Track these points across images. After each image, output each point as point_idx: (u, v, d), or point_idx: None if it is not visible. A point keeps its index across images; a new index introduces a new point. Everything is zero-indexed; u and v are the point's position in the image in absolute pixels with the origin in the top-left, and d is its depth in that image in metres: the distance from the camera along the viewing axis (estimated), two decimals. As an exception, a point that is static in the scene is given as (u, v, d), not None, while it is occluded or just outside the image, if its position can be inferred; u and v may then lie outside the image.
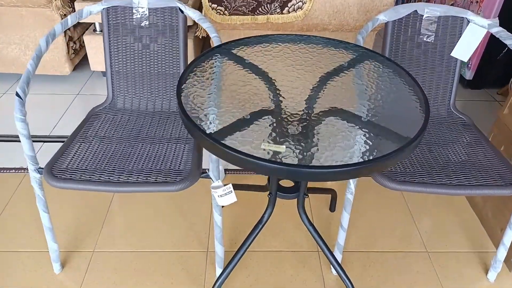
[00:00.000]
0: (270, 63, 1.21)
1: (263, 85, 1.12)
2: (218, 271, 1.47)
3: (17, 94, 1.23)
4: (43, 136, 2.12)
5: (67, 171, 1.26)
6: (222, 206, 1.72)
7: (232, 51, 1.26)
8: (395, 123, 1.00)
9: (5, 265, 1.49)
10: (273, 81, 1.14)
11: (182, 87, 1.08)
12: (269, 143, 0.89)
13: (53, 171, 1.26)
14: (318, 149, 0.89)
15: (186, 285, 1.45)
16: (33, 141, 2.10)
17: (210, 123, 0.96)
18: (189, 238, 1.62)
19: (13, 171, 1.90)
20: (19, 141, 2.12)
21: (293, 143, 0.90)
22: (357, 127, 0.97)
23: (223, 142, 0.88)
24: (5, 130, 2.16)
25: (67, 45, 2.40)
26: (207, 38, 2.80)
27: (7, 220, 1.67)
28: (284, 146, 0.88)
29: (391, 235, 1.66)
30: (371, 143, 0.92)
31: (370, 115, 1.01)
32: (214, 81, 1.12)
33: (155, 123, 1.49)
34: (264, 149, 0.87)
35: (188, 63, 1.34)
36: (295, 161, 0.86)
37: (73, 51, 2.47)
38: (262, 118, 0.98)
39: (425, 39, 1.51)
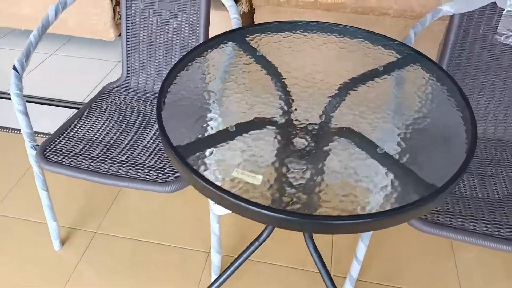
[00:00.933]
0: (286, 59, 1.00)
1: (270, 87, 0.92)
2: (214, 277, 1.34)
3: (14, 68, 1.15)
4: (75, 103, 2.10)
5: (60, 152, 1.17)
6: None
7: (246, 38, 1.06)
8: (429, 158, 0.76)
9: (4, 230, 1.49)
10: (284, 82, 0.93)
11: (171, 81, 0.91)
12: (242, 170, 0.70)
13: (46, 151, 1.18)
14: (321, 191, 0.69)
15: (180, 284, 1.34)
16: (66, 107, 2.10)
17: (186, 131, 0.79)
18: (193, 236, 1.50)
19: (40, 135, 1.90)
20: (54, 105, 2.14)
21: (289, 177, 0.71)
22: (377, 161, 0.75)
23: (187, 160, 0.71)
24: (43, 92, 2.16)
25: (114, 10, 2.33)
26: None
27: (17, 186, 1.67)
28: (261, 177, 0.69)
29: (420, 270, 1.40)
30: (393, 186, 0.70)
31: (398, 148, 0.78)
32: (210, 77, 0.94)
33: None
34: (234, 177, 0.69)
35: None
36: (287, 203, 0.67)
37: (119, 16, 2.40)
38: (251, 133, 0.79)
39: (502, 40, 1.18)
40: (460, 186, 1.11)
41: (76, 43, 2.55)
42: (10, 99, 2.10)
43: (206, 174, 0.69)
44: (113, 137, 1.24)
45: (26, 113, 1.18)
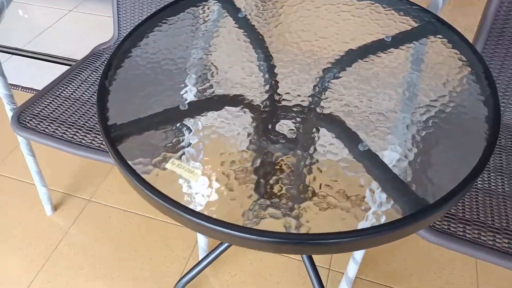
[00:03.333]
0: (274, 23, 0.82)
1: (247, 58, 0.76)
2: (201, 257, 1.25)
3: (-13, 22, 1.06)
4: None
5: (36, 117, 1.09)
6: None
7: (232, -4, 0.89)
8: (441, 156, 0.58)
9: (1, 191, 1.47)
10: (266, 52, 0.77)
11: (135, 42, 0.77)
12: (180, 162, 0.57)
13: (22, 115, 1.10)
14: (300, 204, 0.55)
15: (165, 263, 1.26)
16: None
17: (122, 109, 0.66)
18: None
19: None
20: (63, 65, 2.08)
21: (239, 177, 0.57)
22: (356, 160, 0.58)
23: (117, 146, 0.58)
24: (59, 50, 2.10)
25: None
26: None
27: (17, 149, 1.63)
28: (200, 172, 0.55)
29: (427, 273, 1.23)
30: (372, 197, 0.54)
31: (390, 142, 0.61)
32: (180, 41, 0.79)
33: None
34: (166, 169, 0.56)
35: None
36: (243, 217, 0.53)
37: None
38: (206, 114, 0.65)
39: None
40: (483, 177, 0.92)
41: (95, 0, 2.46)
42: (19, 55, 2.05)
43: (135, 163, 0.57)
44: (94, 103, 1.14)
45: (3, 74, 1.10)
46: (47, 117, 1.09)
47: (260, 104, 0.66)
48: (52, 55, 2.07)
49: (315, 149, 0.59)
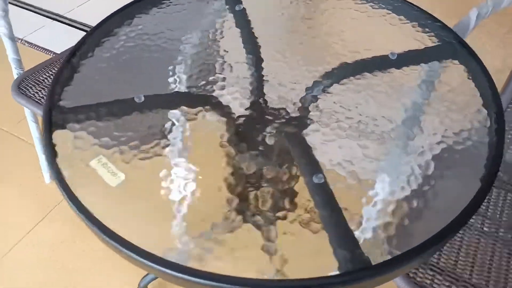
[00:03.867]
0: (272, 22, 0.74)
1: (236, 55, 0.68)
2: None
3: (1, -16, 1.06)
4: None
5: (37, 85, 1.08)
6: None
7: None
8: (420, 202, 0.49)
9: (12, 151, 1.50)
10: (256, 51, 0.69)
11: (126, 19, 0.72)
12: (107, 161, 0.50)
13: (25, 81, 1.09)
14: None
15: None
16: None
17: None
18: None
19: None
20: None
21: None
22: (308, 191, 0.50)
23: (54, 131, 0.53)
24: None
25: None
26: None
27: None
28: (123, 176, 0.49)
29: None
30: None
31: (359, 173, 0.51)
32: (172, 26, 0.73)
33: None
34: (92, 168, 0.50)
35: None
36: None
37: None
38: (163, 110, 0.58)
39: None
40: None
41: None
42: (59, 21, 2.07)
43: (63, 155, 0.51)
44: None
45: (12, 38, 1.10)
46: (48, 86, 1.08)
47: (225, 108, 0.59)
48: (90, 25, 2.09)
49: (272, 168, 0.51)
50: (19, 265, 1.21)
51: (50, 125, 0.54)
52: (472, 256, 0.76)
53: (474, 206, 0.45)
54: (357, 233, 0.45)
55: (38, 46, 1.90)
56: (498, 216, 0.83)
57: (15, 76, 1.14)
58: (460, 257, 0.75)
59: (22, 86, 1.07)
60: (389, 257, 0.42)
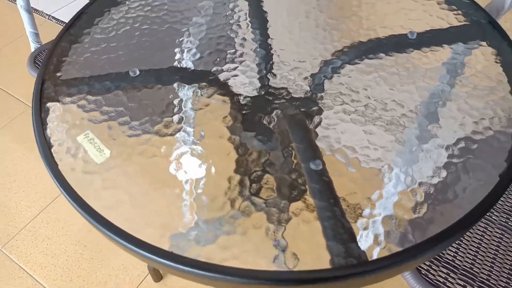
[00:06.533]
0: (287, 2, 0.69)
1: (248, 35, 0.64)
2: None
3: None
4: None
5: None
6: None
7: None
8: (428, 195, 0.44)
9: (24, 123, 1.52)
10: (266, 35, 0.64)
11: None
12: (94, 136, 0.48)
13: (40, 55, 1.09)
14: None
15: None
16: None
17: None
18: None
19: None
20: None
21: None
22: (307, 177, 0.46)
23: (45, 104, 0.51)
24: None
25: None
26: None
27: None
28: (108, 153, 0.46)
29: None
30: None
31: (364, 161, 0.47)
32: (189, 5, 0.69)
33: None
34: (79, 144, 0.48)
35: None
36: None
37: None
38: (153, 86, 0.55)
39: None
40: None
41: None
42: None
43: (51, 127, 0.49)
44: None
45: (29, 10, 1.09)
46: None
47: (224, 86, 0.55)
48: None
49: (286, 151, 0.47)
50: (35, 239, 1.23)
51: (41, 96, 0.52)
52: (493, 254, 0.70)
53: (488, 204, 0.40)
54: (354, 226, 0.40)
55: (64, 23, 1.91)
56: (523, 215, 0.76)
57: (32, 50, 1.14)
58: (479, 255, 0.70)
59: (38, 60, 1.07)
60: (387, 253, 0.38)
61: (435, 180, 0.43)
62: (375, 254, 0.38)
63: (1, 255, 1.21)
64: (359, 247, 0.39)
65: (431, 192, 0.42)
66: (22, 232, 1.26)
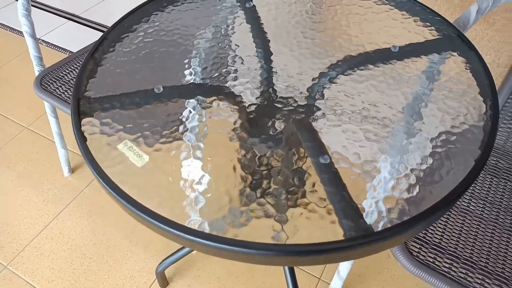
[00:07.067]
0: (281, 17, 0.79)
1: (247, 50, 0.73)
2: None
3: (24, -15, 1.12)
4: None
5: (58, 81, 1.14)
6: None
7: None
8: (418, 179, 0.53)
9: (29, 147, 1.56)
10: (267, 49, 0.73)
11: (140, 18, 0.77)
12: (132, 144, 0.56)
13: (46, 77, 1.15)
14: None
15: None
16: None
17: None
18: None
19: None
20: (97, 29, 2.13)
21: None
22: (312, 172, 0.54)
23: (82, 122, 0.59)
24: (111, 21, 2.18)
25: None
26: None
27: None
28: (147, 158, 0.54)
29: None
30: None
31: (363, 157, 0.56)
32: (184, 22, 0.78)
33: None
34: (120, 152, 0.55)
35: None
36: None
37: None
38: (176, 100, 0.63)
39: None
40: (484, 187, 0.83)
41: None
42: (75, 21, 2.13)
43: (92, 138, 0.57)
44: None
45: (33, 36, 1.16)
46: (67, 82, 1.14)
47: (237, 98, 0.63)
48: (105, 25, 2.15)
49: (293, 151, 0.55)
50: (41, 255, 1.27)
51: (78, 113, 0.59)
52: (473, 237, 0.80)
53: (467, 183, 0.49)
54: (360, 206, 0.49)
55: (54, 45, 1.97)
56: (498, 202, 0.87)
57: (36, 73, 1.20)
58: (461, 239, 0.79)
59: (43, 82, 1.13)
60: (389, 225, 0.46)
61: (424, 166, 0.52)
62: (379, 227, 0.46)
63: (8, 272, 1.24)
64: (366, 222, 0.47)
65: (421, 176, 0.52)
66: (27, 249, 1.29)
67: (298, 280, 1.18)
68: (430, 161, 0.53)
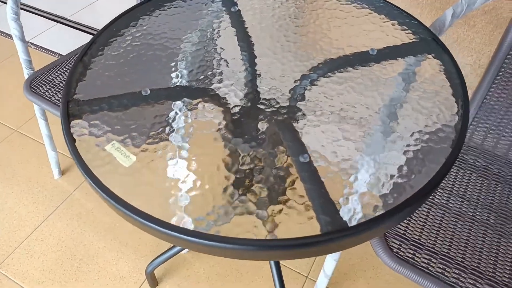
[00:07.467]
0: (266, 21, 0.81)
1: (231, 54, 0.75)
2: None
3: (13, -11, 1.13)
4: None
5: (47, 84, 1.15)
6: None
7: (233, -9, 0.88)
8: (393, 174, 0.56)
9: (17, 150, 1.57)
10: (250, 49, 0.76)
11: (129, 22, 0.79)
12: (119, 145, 0.58)
13: (35, 80, 1.17)
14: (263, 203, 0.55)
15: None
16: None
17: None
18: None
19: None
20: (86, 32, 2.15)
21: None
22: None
23: (71, 124, 0.61)
24: (100, 24, 2.20)
25: None
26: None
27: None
28: (134, 158, 0.56)
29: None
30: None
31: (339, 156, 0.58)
32: (171, 26, 0.80)
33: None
34: (105, 150, 0.57)
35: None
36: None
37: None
38: (163, 102, 0.65)
39: None
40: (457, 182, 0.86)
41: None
42: (63, 23, 2.14)
43: (81, 140, 0.59)
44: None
45: (23, 39, 1.17)
46: (56, 85, 1.15)
47: (222, 99, 0.66)
48: (93, 27, 2.16)
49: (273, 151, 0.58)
50: (31, 257, 1.28)
51: (68, 115, 0.61)
52: (450, 234, 0.83)
53: (438, 178, 0.52)
54: (336, 202, 0.52)
55: (43, 48, 1.98)
56: (475, 198, 0.90)
57: (26, 76, 1.21)
58: (440, 235, 0.83)
59: (33, 85, 1.15)
60: (363, 220, 0.49)
61: (398, 164, 0.55)
62: (355, 221, 0.49)
63: (-2, 275, 1.25)
64: (341, 218, 0.50)
65: (395, 173, 0.54)
66: (17, 251, 1.30)
67: (286, 279, 1.21)
68: (404, 159, 0.56)
